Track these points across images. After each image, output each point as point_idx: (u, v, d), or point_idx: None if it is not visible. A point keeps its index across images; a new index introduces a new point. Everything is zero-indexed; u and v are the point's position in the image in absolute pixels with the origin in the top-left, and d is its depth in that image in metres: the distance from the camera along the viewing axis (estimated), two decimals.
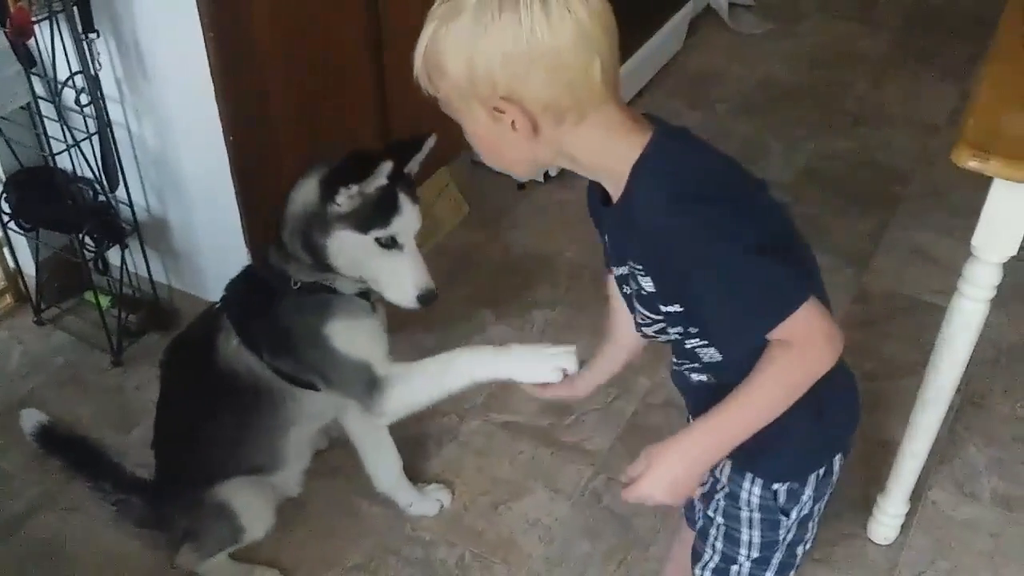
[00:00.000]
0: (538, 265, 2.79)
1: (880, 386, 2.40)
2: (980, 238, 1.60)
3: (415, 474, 2.20)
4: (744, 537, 1.42)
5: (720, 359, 1.26)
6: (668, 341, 1.31)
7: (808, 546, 1.47)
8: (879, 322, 2.61)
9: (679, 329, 1.25)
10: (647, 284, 1.22)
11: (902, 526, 2.08)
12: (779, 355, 1.14)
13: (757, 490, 1.37)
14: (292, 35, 2.18)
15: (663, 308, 1.23)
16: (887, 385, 2.40)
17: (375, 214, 1.68)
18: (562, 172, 3.05)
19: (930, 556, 2.07)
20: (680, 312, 1.21)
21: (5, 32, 2.02)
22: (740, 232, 1.12)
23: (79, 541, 2.11)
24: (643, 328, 1.31)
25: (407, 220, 1.72)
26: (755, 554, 1.43)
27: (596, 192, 1.27)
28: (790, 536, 1.42)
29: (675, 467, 1.21)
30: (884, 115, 3.43)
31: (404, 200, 1.71)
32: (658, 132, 1.18)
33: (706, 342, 1.25)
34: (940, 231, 2.84)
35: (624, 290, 1.31)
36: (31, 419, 2.10)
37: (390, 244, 1.71)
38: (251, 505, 1.95)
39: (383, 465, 2.12)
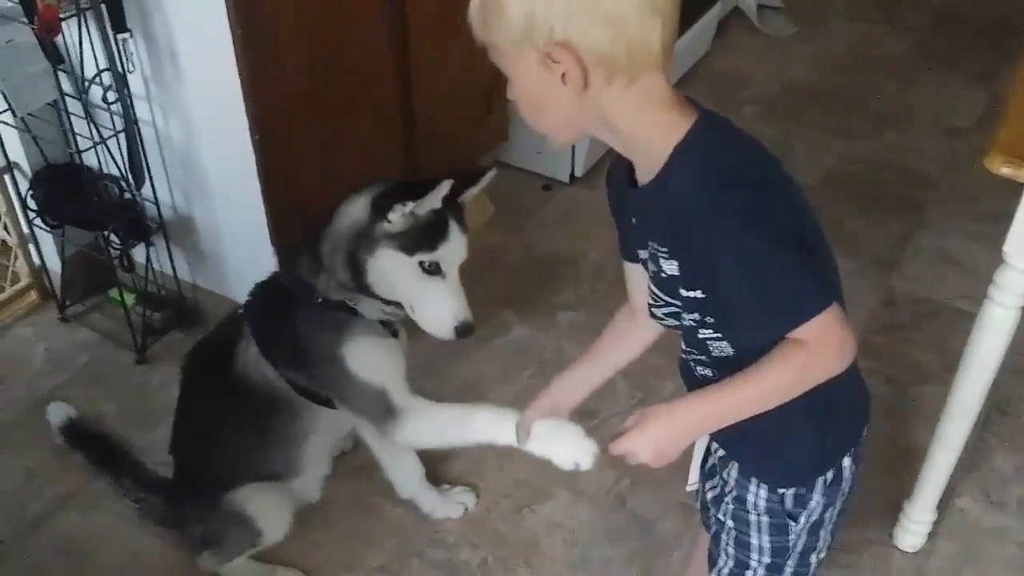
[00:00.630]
0: (562, 266, 2.78)
1: (906, 392, 2.38)
2: (1012, 244, 1.58)
3: (437, 476, 2.19)
4: (754, 542, 1.41)
5: (730, 354, 1.24)
6: (679, 327, 1.29)
7: (822, 555, 1.45)
8: (905, 327, 2.59)
9: (695, 316, 1.23)
10: (670, 267, 1.21)
11: (929, 534, 2.06)
12: (790, 352, 1.13)
13: (764, 493, 1.36)
14: (318, 35, 2.18)
15: (683, 293, 1.21)
16: (913, 391, 2.38)
17: (423, 237, 1.65)
18: (587, 173, 3.04)
19: (957, 564, 2.05)
20: (700, 299, 1.20)
21: (33, 29, 2.03)
22: (776, 225, 1.12)
23: (101, 539, 2.11)
24: (655, 310, 1.30)
25: (454, 248, 1.69)
26: (767, 559, 1.42)
27: (622, 171, 1.25)
28: (800, 543, 1.40)
29: (664, 431, 1.22)
30: (910, 118, 3.40)
31: (454, 228, 1.68)
32: (704, 117, 1.17)
33: (719, 335, 1.23)
34: (967, 236, 2.82)
35: (648, 271, 1.29)
36: (59, 413, 2.11)
37: (434, 271, 1.67)
38: (267, 510, 1.94)
39: (403, 472, 2.11)
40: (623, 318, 1.49)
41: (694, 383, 1.34)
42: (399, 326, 1.83)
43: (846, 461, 1.35)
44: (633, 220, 1.28)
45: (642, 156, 1.20)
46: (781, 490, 1.35)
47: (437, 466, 2.22)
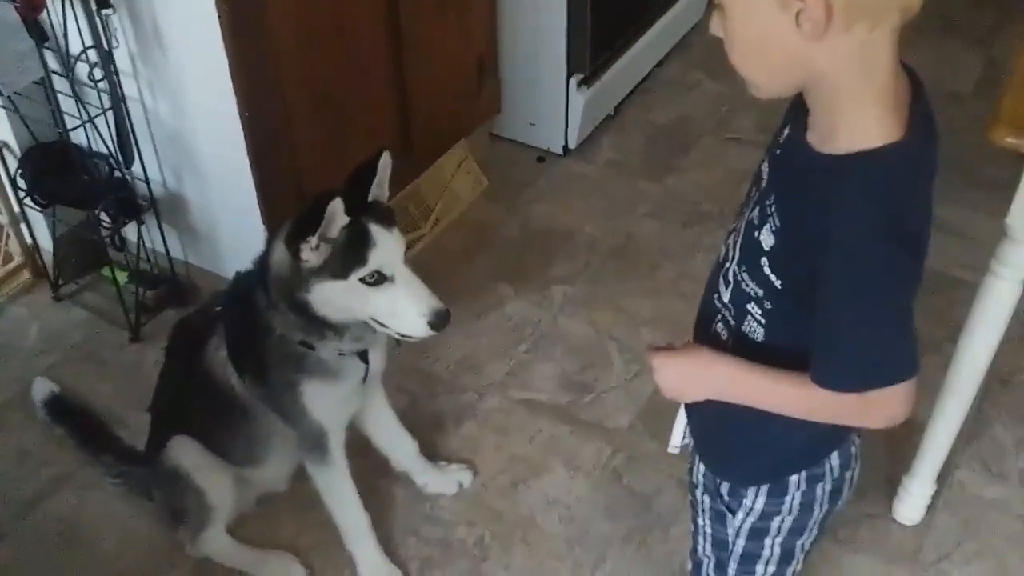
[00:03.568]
0: (557, 240, 2.76)
1: None
2: (1016, 218, 1.56)
3: (433, 452, 2.18)
4: (700, 521, 1.40)
5: (758, 340, 1.17)
6: (731, 283, 1.19)
7: (772, 569, 1.38)
8: None
9: (758, 291, 1.14)
10: (767, 239, 1.11)
11: (928, 506, 2.05)
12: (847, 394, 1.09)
13: (703, 468, 1.36)
14: (306, 8, 2.14)
15: (765, 269, 1.12)
16: None
17: (349, 255, 1.58)
18: (581, 145, 3.01)
19: (956, 537, 2.04)
20: (775, 287, 1.11)
21: (16, 6, 1.99)
22: (907, 291, 1.05)
23: (97, 519, 2.11)
24: (725, 263, 1.21)
25: (386, 250, 1.60)
26: (710, 547, 1.40)
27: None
28: (740, 545, 1.35)
29: (695, 374, 1.20)
30: None
31: (377, 231, 1.59)
32: (912, 137, 1.03)
33: (764, 321, 1.16)
34: (966, 205, 2.77)
35: (744, 216, 1.18)
36: (42, 388, 2.14)
37: (378, 280, 1.60)
38: (202, 465, 1.92)
39: (396, 448, 2.11)
40: None
41: (704, 335, 1.26)
42: (373, 347, 1.79)
43: (792, 477, 1.28)
44: (778, 152, 1.16)
45: (824, 122, 1.06)
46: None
47: (433, 442, 2.21)
